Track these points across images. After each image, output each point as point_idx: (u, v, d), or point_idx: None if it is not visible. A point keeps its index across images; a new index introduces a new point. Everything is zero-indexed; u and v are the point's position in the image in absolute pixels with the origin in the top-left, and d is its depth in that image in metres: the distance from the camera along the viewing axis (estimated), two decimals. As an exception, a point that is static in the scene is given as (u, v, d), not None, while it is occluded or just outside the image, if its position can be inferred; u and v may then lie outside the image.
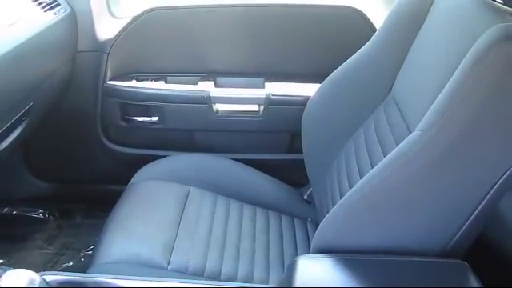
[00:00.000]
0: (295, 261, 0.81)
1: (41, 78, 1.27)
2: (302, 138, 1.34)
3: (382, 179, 0.79)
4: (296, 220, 1.29)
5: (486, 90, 0.73)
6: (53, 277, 0.78)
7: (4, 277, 0.68)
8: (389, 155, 0.80)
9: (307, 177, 1.34)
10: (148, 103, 1.53)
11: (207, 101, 1.51)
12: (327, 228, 0.84)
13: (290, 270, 0.80)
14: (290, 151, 1.57)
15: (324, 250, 0.83)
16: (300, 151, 1.36)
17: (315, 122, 1.32)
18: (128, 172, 1.37)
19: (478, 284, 0.77)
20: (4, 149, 1.17)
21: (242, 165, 1.42)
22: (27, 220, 1.61)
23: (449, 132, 0.75)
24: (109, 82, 1.52)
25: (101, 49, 1.49)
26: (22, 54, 1.14)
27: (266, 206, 1.31)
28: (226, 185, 1.34)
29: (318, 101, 1.30)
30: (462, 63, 0.76)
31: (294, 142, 1.55)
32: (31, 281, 0.68)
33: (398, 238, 0.83)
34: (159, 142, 1.57)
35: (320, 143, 1.30)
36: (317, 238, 0.85)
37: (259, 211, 1.29)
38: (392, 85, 1.13)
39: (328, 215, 0.84)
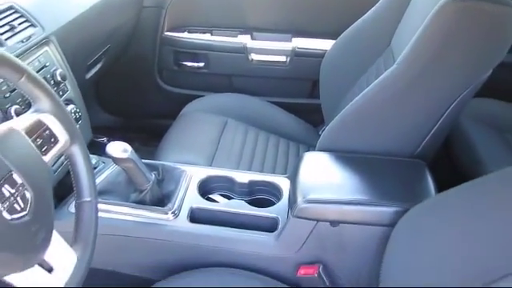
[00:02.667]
0: (303, 155, 1.14)
1: (116, 26, 1.60)
2: (320, 84, 1.63)
3: (367, 99, 1.09)
4: (311, 149, 1.58)
5: (443, 33, 0.98)
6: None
7: (108, 146, 1.03)
8: (375, 82, 1.10)
9: (323, 118, 1.63)
10: (196, 51, 1.84)
11: (244, 51, 1.81)
12: (328, 134, 1.15)
13: (298, 160, 1.13)
14: (310, 97, 1.86)
15: (324, 150, 1.15)
16: (318, 97, 1.65)
17: (330, 71, 1.60)
18: (178, 109, 1.68)
19: (429, 176, 1.07)
20: (88, 78, 1.52)
21: (271, 104, 1.71)
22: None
23: (417, 64, 1.02)
24: (165, 33, 1.83)
25: (161, 5, 1.79)
26: (105, 6, 1.46)
27: (288, 137, 1.59)
28: (256, 119, 1.62)
29: (333, 53, 1.58)
30: (428, 15, 1.04)
31: (314, 89, 1.84)
32: (125, 149, 1.02)
33: (379, 143, 1.12)
34: (204, 84, 1.88)
35: (333, 88, 1.57)
36: (320, 141, 1.16)
37: (282, 141, 1.58)
38: (390, 40, 1.41)
39: (329, 125, 1.15)
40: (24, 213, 0.64)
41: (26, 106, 0.99)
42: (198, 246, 1.05)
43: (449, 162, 1.51)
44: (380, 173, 1.06)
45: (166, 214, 1.06)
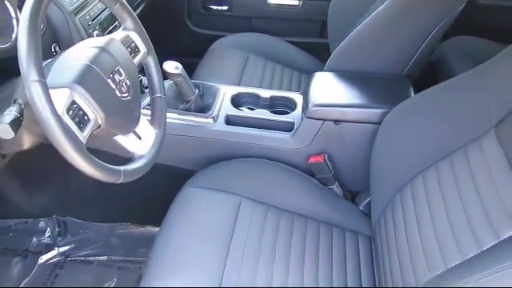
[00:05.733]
0: (313, 74, 1.44)
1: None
2: (328, 25, 1.92)
3: (363, 29, 1.37)
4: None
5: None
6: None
7: (164, 64, 1.33)
8: (370, 15, 1.38)
9: (330, 55, 1.90)
10: (221, -4, 2.12)
11: (263, -5, 2.09)
12: (333, 58, 1.44)
13: (309, 79, 1.43)
14: (319, 36, 2.15)
15: (331, 70, 1.45)
16: (326, 37, 1.92)
17: (337, 12, 1.87)
18: (204, 48, 1.97)
19: (411, 88, 1.37)
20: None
21: (285, 42, 2.01)
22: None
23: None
24: (194, -21, 2.11)
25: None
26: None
27: (300, 71, 1.89)
28: (273, 55, 1.92)
29: (340, -3, 1.87)
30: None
31: (322, 29, 2.12)
32: (177, 66, 1.33)
33: (373, 65, 1.41)
34: (227, 25, 2.16)
35: (339, 27, 1.83)
36: (328, 64, 1.45)
37: (295, 73, 1.88)
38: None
39: (335, 50, 1.45)
40: (127, 94, 0.95)
41: (102, 31, 1.30)
42: (233, 142, 1.37)
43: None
44: (372, 86, 1.37)
45: (207, 118, 1.38)
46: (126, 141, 0.99)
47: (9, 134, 0.82)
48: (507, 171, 0.93)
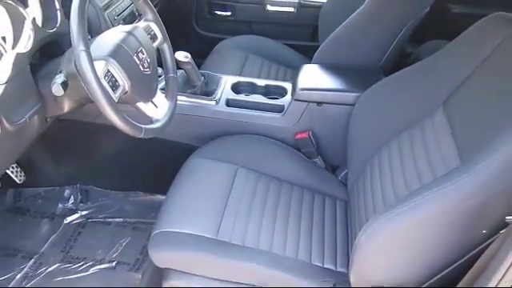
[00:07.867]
0: (302, 65, 1.69)
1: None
2: (319, 29, 2.18)
3: (344, 27, 1.63)
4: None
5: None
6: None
7: (176, 54, 1.58)
8: (350, 16, 1.64)
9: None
10: (225, 2, 2.39)
11: (262, 3, 2.35)
12: (319, 52, 1.70)
13: (298, 69, 1.68)
14: (312, 40, 2.40)
15: (318, 63, 1.70)
16: (318, 40, 2.19)
17: (326, 19, 2.13)
18: (209, 49, 2.22)
19: (383, 77, 1.61)
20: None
21: (281, 44, 2.26)
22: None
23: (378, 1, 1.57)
24: (201, -12, 2.38)
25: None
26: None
27: (293, 69, 2.13)
28: (269, 55, 2.17)
29: (329, 5, 2.13)
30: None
31: (314, 34, 2.37)
32: (186, 55, 1.58)
33: (353, 58, 1.66)
34: (230, 28, 2.42)
35: (328, 32, 2.06)
36: (314, 57, 1.70)
37: (288, 71, 2.12)
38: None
39: (320, 46, 1.70)
40: (148, 69, 1.21)
41: (126, 23, 1.56)
42: (232, 121, 1.62)
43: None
44: (350, 75, 1.62)
45: (211, 101, 1.63)
46: (146, 107, 1.24)
47: (60, 91, 1.08)
48: (448, 134, 1.17)
